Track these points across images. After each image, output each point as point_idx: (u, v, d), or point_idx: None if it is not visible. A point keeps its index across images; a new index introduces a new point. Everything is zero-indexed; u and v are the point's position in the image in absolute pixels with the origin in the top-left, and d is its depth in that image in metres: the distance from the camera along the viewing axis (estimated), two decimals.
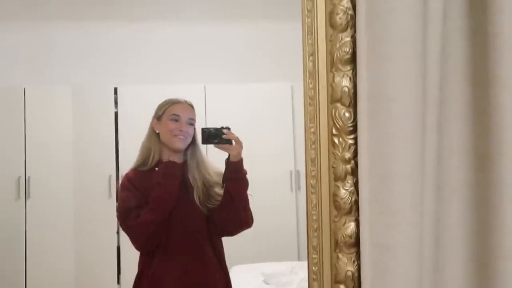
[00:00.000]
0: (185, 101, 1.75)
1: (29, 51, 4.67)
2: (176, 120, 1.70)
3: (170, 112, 1.71)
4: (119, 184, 1.76)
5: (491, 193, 0.85)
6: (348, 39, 0.88)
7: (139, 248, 1.69)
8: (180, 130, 1.68)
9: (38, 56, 4.68)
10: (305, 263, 3.04)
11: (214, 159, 1.78)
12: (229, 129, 1.62)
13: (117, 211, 1.69)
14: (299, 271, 2.74)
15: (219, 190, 1.69)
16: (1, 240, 4.20)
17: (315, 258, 0.88)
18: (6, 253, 4.21)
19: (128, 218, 1.65)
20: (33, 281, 4.22)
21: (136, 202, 1.65)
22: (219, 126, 1.63)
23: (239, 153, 1.62)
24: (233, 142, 1.61)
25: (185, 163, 1.73)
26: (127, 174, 1.72)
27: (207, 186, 1.70)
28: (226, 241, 1.78)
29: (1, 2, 4.53)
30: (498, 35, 0.82)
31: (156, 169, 1.69)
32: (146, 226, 1.62)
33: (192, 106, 1.76)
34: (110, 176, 4.31)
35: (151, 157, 1.71)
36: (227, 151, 1.63)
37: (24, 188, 4.24)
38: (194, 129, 1.74)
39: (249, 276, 2.84)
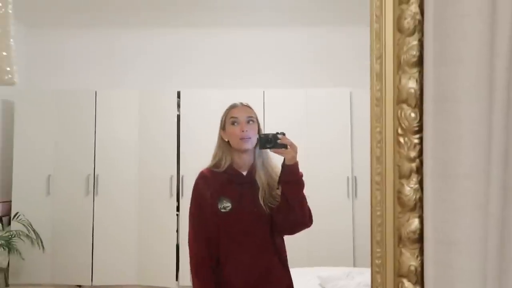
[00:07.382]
0: (241, 103, 1.83)
1: (100, 58, 5.00)
2: (236, 123, 1.78)
3: (229, 116, 1.81)
4: (194, 184, 1.84)
5: None
6: (415, 42, 0.91)
7: None
8: (242, 131, 1.76)
9: (108, 62, 5.00)
10: (362, 269, 2.99)
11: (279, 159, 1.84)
12: (284, 134, 1.69)
13: (189, 212, 1.79)
14: (355, 276, 2.72)
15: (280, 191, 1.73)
16: (72, 231, 4.50)
17: (379, 252, 0.91)
18: (77, 243, 4.51)
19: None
20: (99, 269, 4.48)
21: (205, 208, 1.75)
22: (274, 132, 1.70)
23: (294, 157, 1.67)
24: (288, 146, 1.66)
25: (254, 163, 1.81)
26: (202, 172, 1.82)
27: (271, 186, 1.76)
28: None
29: (76, 12, 4.88)
30: None
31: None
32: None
33: (248, 106, 1.84)
34: (171, 176, 4.50)
35: (223, 162, 1.80)
36: (282, 155, 1.68)
37: (93, 185, 4.51)
38: (259, 127, 1.81)
39: (305, 279, 2.86)
